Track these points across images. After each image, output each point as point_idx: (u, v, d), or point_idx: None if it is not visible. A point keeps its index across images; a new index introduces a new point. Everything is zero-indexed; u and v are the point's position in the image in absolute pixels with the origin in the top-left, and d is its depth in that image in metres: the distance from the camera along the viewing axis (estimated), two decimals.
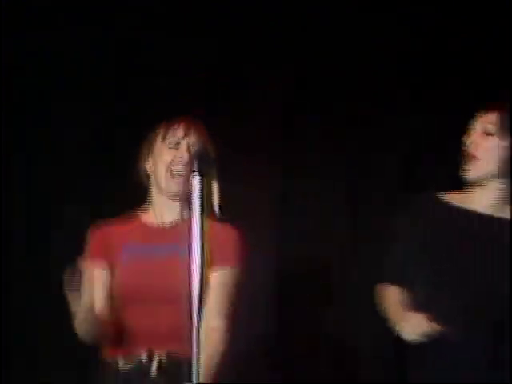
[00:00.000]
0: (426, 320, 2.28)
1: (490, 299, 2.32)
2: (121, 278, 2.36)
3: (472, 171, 2.42)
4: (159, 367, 2.26)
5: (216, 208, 2.08)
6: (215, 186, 2.21)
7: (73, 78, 5.75)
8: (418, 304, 2.39)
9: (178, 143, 2.47)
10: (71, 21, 5.71)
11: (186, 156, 2.42)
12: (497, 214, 2.40)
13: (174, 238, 2.28)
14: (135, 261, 2.39)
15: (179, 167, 2.42)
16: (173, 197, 2.44)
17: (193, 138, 2.45)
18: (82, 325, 2.27)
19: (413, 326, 2.26)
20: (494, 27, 4.71)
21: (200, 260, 1.70)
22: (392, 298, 2.47)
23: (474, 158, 2.40)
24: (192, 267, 1.71)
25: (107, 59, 6.26)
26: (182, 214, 2.44)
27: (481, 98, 3.49)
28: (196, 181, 1.78)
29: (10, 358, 4.07)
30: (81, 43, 6.02)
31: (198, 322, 1.65)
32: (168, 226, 2.45)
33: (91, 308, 2.21)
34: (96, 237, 2.50)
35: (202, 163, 1.84)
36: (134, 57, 6.12)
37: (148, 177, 2.53)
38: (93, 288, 2.25)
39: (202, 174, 1.80)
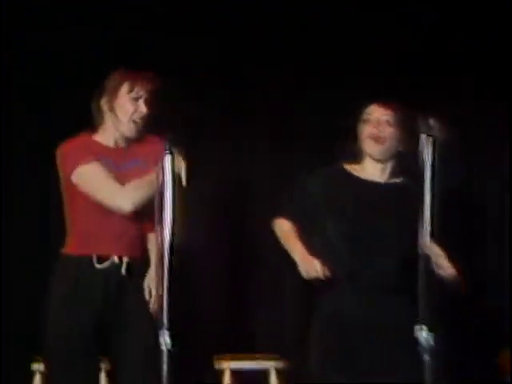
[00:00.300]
0: (320, 265, 2.83)
1: (379, 249, 2.91)
2: None
3: (379, 150, 3.03)
4: (127, 268, 2.76)
5: (183, 180, 2.53)
6: (183, 163, 2.57)
7: (73, 78, 5.74)
8: (316, 251, 2.92)
9: (138, 98, 2.94)
10: (71, 21, 5.77)
11: (144, 109, 2.94)
12: (387, 181, 3.06)
13: (132, 157, 2.92)
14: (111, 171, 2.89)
15: (138, 118, 2.91)
16: (127, 136, 2.95)
17: (149, 95, 2.93)
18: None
19: (308, 269, 2.83)
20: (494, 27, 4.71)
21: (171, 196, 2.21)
22: (288, 232, 3.03)
23: (383, 141, 3.01)
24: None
25: (107, 59, 6.27)
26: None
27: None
28: (168, 159, 2.26)
29: None
30: (81, 43, 6.06)
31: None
32: (122, 147, 2.98)
33: None
34: (75, 146, 2.96)
35: (172, 144, 2.31)
36: (133, 57, 6.14)
37: (99, 110, 2.99)
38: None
39: (172, 153, 2.28)
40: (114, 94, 2.97)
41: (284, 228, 3.07)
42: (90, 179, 2.82)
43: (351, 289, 2.89)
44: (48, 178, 5.17)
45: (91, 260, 2.78)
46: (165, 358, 2.13)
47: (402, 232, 2.68)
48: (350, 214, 2.98)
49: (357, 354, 2.80)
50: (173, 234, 2.20)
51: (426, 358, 1.91)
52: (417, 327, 1.96)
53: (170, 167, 2.28)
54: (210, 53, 5.25)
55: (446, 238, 2.34)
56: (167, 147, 2.28)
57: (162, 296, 2.15)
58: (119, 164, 2.92)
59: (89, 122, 3.30)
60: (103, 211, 2.82)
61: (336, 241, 2.95)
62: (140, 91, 2.95)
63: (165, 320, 2.15)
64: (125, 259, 2.79)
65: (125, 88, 2.97)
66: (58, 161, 3.00)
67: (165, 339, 2.15)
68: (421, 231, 2.15)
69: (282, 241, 3.07)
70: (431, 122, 2.17)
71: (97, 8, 5.46)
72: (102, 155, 2.90)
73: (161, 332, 2.16)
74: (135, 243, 2.84)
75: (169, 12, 5.49)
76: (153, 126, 3.09)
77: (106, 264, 2.77)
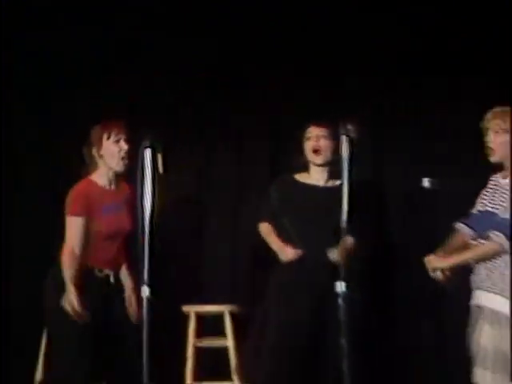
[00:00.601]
0: (293, 250, 3.88)
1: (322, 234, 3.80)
2: (99, 226, 3.69)
3: (319, 158, 3.96)
4: (115, 278, 3.76)
5: (161, 170, 2.91)
6: (160, 157, 2.93)
7: (73, 77, 5.76)
8: (286, 238, 3.93)
9: (118, 140, 3.69)
10: (71, 21, 5.80)
11: (125, 147, 3.69)
12: (325, 185, 4.00)
13: (119, 198, 3.75)
14: (107, 214, 3.71)
15: (123, 154, 3.68)
16: (119, 172, 3.74)
17: (125, 135, 3.71)
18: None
19: (285, 255, 3.89)
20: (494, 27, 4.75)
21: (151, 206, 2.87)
22: (267, 231, 4.05)
23: (321, 151, 3.95)
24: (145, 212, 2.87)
25: (107, 59, 6.29)
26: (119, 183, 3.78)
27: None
28: (147, 152, 2.87)
29: None
30: (81, 43, 6.09)
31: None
32: (113, 188, 3.78)
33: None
34: (78, 195, 3.69)
35: (152, 142, 2.90)
36: (134, 57, 6.15)
37: (93, 158, 3.74)
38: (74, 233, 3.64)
39: (151, 147, 2.87)
40: (99, 143, 3.74)
41: (263, 229, 4.09)
42: (69, 229, 3.69)
43: (299, 265, 3.89)
44: (48, 179, 5.24)
45: (93, 271, 3.74)
46: (145, 305, 2.91)
47: (335, 224, 2.99)
48: (298, 213, 3.94)
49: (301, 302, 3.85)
50: (152, 212, 2.88)
51: (340, 302, 2.78)
52: (337, 283, 2.79)
53: (149, 159, 2.88)
54: (210, 53, 5.33)
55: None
56: (148, 143, 2.89)
57: (143, 259, 2.90)
58: (111, 205, 3.76)
59: (88, 122, 3.88)
60: (104, 236, 3.75)
61: (291, 233, 3.92)
62: (117, 135, 3.71)
63: (145, 277, 2.92)
64: (112, 272, 3.80)
65: (105, 137, 3.73)
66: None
67: (145, 291, 2.92)
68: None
69: (265, 238, 4.07)
70: (349, 126, 2.84)
71: (97, 8, 5.51)
72: (104, 201, 3.73)
73: (142, 286, 2.93)
74: (116, 263, 3.82)
75: (169, 12, 5.55)
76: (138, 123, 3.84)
77: (102, 274, 3.76)
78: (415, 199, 4.54)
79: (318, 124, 4.00)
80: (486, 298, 3.28)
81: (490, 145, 3.35)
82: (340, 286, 2.81)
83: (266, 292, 3.99)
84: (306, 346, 3.81)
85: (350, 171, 2.82)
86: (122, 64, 5.67)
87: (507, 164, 3.35)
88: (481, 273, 3.30)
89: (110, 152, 3.70)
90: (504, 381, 3.15)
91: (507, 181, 3.33)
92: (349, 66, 4.86)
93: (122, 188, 3.79)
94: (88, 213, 3.66)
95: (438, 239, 3.55)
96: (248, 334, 4.03)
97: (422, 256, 3.42)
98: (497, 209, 3.30)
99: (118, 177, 3.77)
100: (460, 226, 3.46)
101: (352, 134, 2.84)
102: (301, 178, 4.05)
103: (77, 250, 3.61)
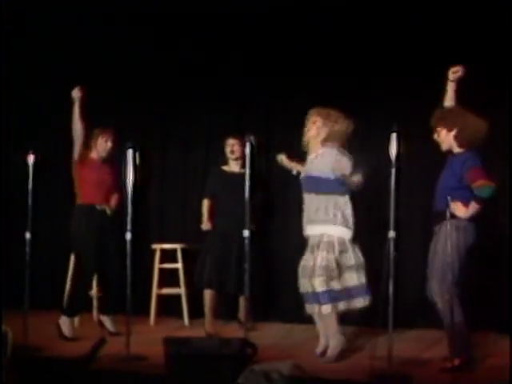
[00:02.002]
0: (207, 223, 6.17)
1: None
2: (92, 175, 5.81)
3: (234, 156, 6.21)
4: (111, 211, 5.82)
5: (137, 162, 4.80)
6: (137, 156, 4.82)
7: (73, 78, 6.20)
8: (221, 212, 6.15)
9: (106, 140, 5.85)
10: (71, 21, 6.21)
11: (110, 145, 5.85)
12: (239, 171, 6.02)
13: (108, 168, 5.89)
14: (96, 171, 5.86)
15: (108, 148, 5.86)
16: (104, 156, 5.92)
17: (111, 138, 5.88)
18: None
19: (203, 225, 6.19)
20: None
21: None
22: (204, 205, 6.24)
23: (234, 152, 6.24)
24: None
25: (107, 59, 6.79)
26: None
27: None
28: (130, 151, 4.79)
29: None
30: (81, 43, 6.46)
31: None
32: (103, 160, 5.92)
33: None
34: (84, 158, 5.88)
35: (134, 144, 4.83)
36: (133, 57, 6.66)
37: (90, 146, 5.84)
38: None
39: (132, 147, 4.78)
40: (95, 142, 5.89)
41: (203, 203, 6.30)
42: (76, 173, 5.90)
43: (222, 232, 6.09)
44: (48, 176, 5.79)
45: (94, 205, 5.80)
46: (128, 246, 4.79)
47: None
48: (223, 192, 6.12)
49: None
50: (134, 185, 4.78)
51: (246, 241, 4.58)
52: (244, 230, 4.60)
53: (131, 155, 4.80)
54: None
55: None
56: (130, 144, 4.80)
57: (127, 210, 4.76)
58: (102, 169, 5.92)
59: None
60: (95, 183, 5.81)
61: (220, 206, 6.17)
62: (106, 138, 5.86)
63: (128, 225, 4.81)
64: (107, 207, 5.87)
65: (96, 138, 5.87)
66: (76, 159, 5.81)
67: (128, 235, 4.80)
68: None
69: (203, 209, 6.27)
70: (251, 136, 4.52)
71: (97, 8, 6.00)
72: (96, 165, 5.91)
73: (126, 231, 4.79)
74: (114, 200, 5.92)
75: (168, 12, 6.08)
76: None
77: (100, 208, 5.81)
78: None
79: (233, 136, 6.14)
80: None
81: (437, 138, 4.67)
82: (246, 233, 4.57)
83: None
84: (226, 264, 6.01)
85: (251, 163, 4.54)
86: (122, 65, 6.24)
87: None
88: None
89: (102, 147, 5.88)
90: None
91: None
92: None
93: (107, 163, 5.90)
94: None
95: None
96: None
97: None
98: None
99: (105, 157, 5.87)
100: None
101: (253, 141, 4.50)
102: (226, 167, 6.27)
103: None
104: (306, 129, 5.00)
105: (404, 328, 5.43)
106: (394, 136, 4.24)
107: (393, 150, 4.25)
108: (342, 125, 4.92)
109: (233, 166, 6.20)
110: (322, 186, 4.87)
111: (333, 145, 4.92)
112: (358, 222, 4.87)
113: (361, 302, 4.88)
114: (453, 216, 4.37)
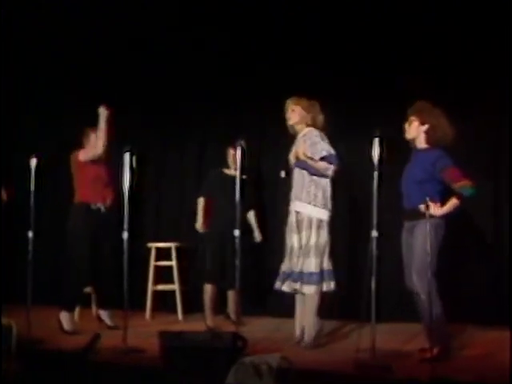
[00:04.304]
0: (201, 224, 6.47)
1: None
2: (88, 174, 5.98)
3: (234, 163, 6.22)
4: (106, 208, 6.03)
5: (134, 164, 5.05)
6: (134, 158, 5.05)
7: (73, 78, 6.29)
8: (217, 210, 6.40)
9: (101, 137, 5.87)
10: (71, 21, 6.28)
11: (104, 141, 5.84)
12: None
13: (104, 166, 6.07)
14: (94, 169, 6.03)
15: (103, 146, 5.88)
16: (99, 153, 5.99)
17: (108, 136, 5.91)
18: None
19: (198, 226, 6.49)
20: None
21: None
22: (200, 204, 6.50)
23: (234, 159, 5.82)
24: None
25: (107, 59, 6.88)
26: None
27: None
28: (127, 155, 5.04)
29: None
30: (81, 43, 6.55)
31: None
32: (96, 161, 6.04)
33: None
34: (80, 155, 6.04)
35: (131, 148, 5.07)
36: (133, 57, 6.76)
37: (87, 144, 6.04)
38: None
39: (130, 151, 5.03)
40: (89, 140, 6.01)
41: (199, 202, 6.49)
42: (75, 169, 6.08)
43: (220, 231, 6.29)
44: (48, 172, 5.89)
45: (89, 204, 5.96)
46: (125, 245, 5.07)
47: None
48: (221, 193, 6.28)
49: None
50: (130, 186, 5.07)
51: (237, 241, 4.87)
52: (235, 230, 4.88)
53: (128, 159, 5.04)
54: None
55: None
56: (128, 148, 5.04)
57: (124, 211, 5.03)
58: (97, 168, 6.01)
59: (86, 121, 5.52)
60: (90, 181, 5.95)
61: (219, 206, 6.36)
62: (101, 135, 5.89)
63: (125, 225, 5.09)
64: (102, 205, 6.01)
65: (90, 136, 6.01)
66: (73, 158, 6.03)
67: (124, 235, 5.09)
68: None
69: (198, 208, 6.50)
70: (242, 142, 4.88)
71: (97, 8, 6.08)
72: (90, 164, 6.02)
73: (123, 231, 5.08)
74: (108, 198, 6.05)
75: (169, 12, 6.18)
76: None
77: (96, 206, 5.97)
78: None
79: (233, 146, 5.76)
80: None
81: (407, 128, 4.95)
82: (237, 232, 4.81)
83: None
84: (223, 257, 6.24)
85: (241, 168, 4.87)
86: (122, 65, 6.54)
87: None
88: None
89: (98, 144, 5.89)
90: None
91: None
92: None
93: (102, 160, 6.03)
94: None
95: None
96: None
97: None
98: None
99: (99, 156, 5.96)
100: None
101: (244, 146, 4.86)
102: (226, 170, 6.49)
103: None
104: (287, 117, 5.39)
105: (387, 321, 5.68)
106: (376, 141, 4.47)
107: (375, 154, 4.48)
108: (318, 109, 5.35)
109: (233, 171, 6.33)
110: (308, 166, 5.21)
111: (315, 128, 5.32)
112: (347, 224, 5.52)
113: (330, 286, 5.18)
114: (431, 216, 4.56)
